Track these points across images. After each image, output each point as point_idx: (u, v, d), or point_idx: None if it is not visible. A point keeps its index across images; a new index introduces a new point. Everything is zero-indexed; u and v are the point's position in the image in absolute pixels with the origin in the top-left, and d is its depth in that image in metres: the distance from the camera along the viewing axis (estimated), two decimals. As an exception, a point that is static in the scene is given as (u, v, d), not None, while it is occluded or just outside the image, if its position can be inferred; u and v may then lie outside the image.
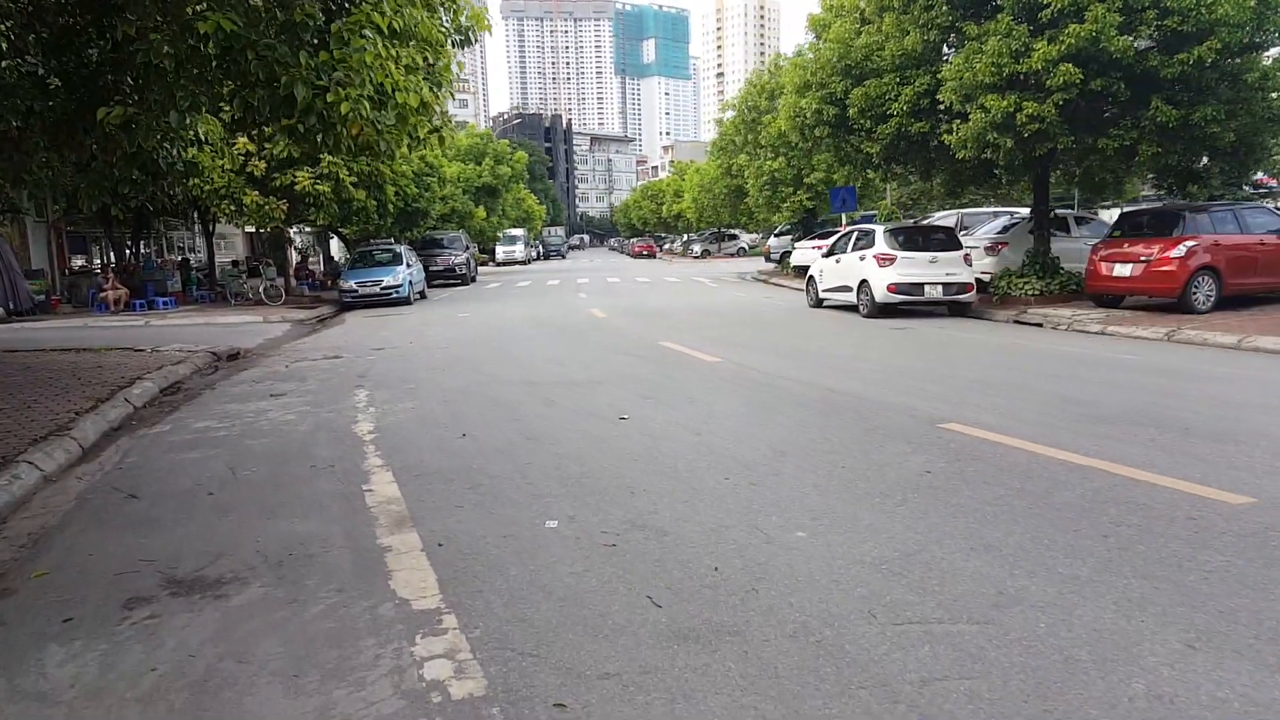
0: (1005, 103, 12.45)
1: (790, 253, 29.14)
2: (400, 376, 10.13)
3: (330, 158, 20.25)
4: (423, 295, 25.05)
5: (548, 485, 5.28)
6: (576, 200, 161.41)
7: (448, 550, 4.26)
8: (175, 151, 7.11)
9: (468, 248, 34.92)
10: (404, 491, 5.33)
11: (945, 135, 13.56)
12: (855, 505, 4.61)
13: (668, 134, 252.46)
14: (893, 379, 8.58)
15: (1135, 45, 11.86)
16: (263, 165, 20.34)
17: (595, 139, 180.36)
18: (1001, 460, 5.38)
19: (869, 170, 16.68)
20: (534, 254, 66.36)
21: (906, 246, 14.68)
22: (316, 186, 20.44)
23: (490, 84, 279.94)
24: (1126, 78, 12.20)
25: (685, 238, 68.57)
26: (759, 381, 8.68)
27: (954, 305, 14.96)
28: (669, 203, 62.66)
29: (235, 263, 29.04)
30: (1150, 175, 15.66)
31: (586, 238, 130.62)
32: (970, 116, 12.91)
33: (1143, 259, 12.94)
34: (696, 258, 57.94)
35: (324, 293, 28.03)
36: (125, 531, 4.88)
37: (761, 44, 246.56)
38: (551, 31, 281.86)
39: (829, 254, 16.69)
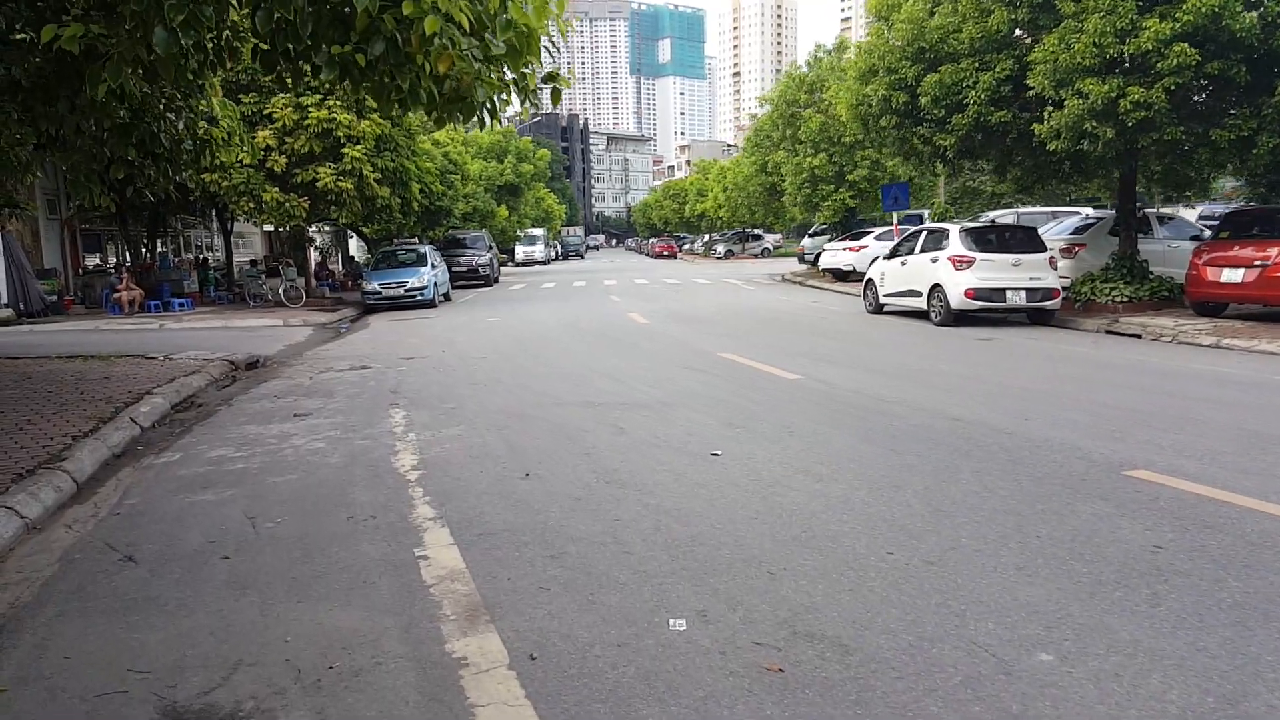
0: (1106, 88, 11.19)
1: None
2: (438, 393, 9.00)
3: (354, 151, 19.19)
4: (447, 297, 23.98)
5: (652, 556, 4.11)
6: (593, 200, 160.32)
7: (545, 668, 3.09)
8: (181, 126, 5.89)
9: (490, 248, 33.81)
10: (468, 560, 4.18)
11: (1035, 125, 12.28)
12: (1091, 603, 3.41)
13: (683, 134, 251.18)
14: (1022, 405, 7.35)
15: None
16: (283, 161, 19.32)
17: (612, 139, 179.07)
18: (1243, 529, 4.15)
19: (937, 164, 15.40)
20: (553, 254, 65.30)
21: (985, 247, 13.42)
22: (339, 183, 19.36)
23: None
24: (1246, 59, 10.91)
25: (707, 238, 67.31)
26: (861, 405, 7.47)
27: (1036, 313, 13.68)
28: (692, 202, 61.40)
29: (254, 262, 28.07)
30: (1244, 172, 14.33)
31: (602, 238, 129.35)
32: (1065, 103, 11.65)
33: (1257, 263, 11.63)
34: (720, 258, 56.68)
35: (345, 294, 27.01)
36: (115, 618, 3.75)
37: (779, 44, 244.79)
38: (566, 31, 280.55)
39: (892, 255, 15.44)
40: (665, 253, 66.68)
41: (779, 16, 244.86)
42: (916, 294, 14.31)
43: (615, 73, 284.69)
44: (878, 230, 27.48)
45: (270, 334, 16.20)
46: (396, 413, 8.06)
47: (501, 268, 41.36)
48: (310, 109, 19.18)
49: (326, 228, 35.95)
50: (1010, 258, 13.28)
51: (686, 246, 74.21)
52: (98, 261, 24.18)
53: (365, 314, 20.87)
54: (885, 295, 15.47)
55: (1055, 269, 13.59)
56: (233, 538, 4.72)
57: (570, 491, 5.25)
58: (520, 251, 54.39)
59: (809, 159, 26.19)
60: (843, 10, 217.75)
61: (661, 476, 5.47)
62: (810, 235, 33.39)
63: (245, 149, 7.80)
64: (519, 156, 45.44)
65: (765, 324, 14.90)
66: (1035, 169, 14.70)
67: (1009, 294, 13.17)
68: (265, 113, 19.03)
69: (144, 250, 24.53)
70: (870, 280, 16.15)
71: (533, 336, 14.10)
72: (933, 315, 13.83)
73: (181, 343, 14.18)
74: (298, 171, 19.65)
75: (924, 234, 14.73)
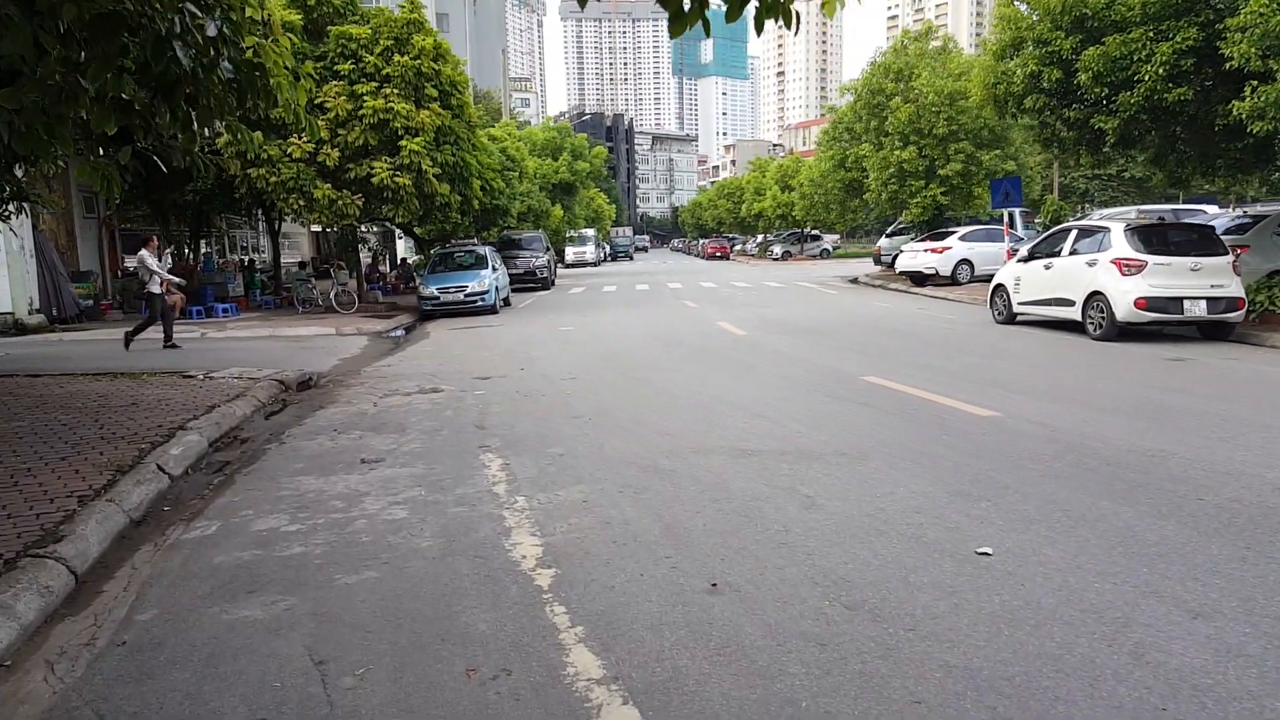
0: (1338, 54, 9.11)
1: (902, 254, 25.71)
2: (536, 431, 7.22)
3: (412, 144, 17.57)
4: (507, 302, 22.29)
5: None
6: (637, 200, 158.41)
7: None
8: (213, 31, 3.74)
9: (548, 249, 32.11)
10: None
11: (1235, 104, 10.20)
12: None
13: (725, 134, 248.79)
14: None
15: None
16: (335, 155, 17.76)
17: (657, 138, 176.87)
18: None
19: (1083, 151, 13.29)
20: (602, 255, 63.64)
21: (1156, 249, 11.35)
22: (396, 179, 17.75)
23: (549, 85, 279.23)
24: None
25: (761, 238, 65.11)
26: (1124, 463, 5.52)
27: (1210, 327, 11.57)
28: (749, 201, 59.19)
29: (302, 264, 26.69)
30: None
31: (647, 238, 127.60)
32: (1278, 77, 9.57)
33: None
34: (777, 259, 54.51)
35: (398, 298, 25.51)
36: None
37: (824, 43, 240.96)
38: (609, 32, 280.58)
39: (1029, 258, 13.37)
40: (718, 254, 64.68)
41: (824, 16, 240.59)
42: (1066, 303, 12.25)
43: (657, 72, 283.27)
44: (962, 230, 25.26)
45: (322, 344, 14.64)
46: (490, 460, 6.30)
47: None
48: (365, 98, 17.62)
49: (374, 228, 34.58)
50: (1188, 261, 11.20)
51: (738, 247, 72.06)
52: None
53: (423, 320, 19.27)
54: (1021, 303, 13.41)
55: (1239, 274, 11.48)
56: (293, 712, 2.96)
57: (799, 625, 3.42)
58: (571, 253, 52.67)
59: (896, 152, 24.07)
60: (889, 9, 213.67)
61: (927, 598, 3.61)
62: (888, 235, 31.13)
63: (306, 127, 5.83)
64: (574, 154, 43.71)
65: (885, 337, 12.94)
66: (1202, 158, 12.55)
67: (1187, 304, 11.09)
68: (317, 102, 17.49)
69: (186, 251, 23.21)
70: (1000, 286, 14.08)
71: (621, 351, 12.30)
72: (1090, 328, 11.77)
73: (224, 356, 12.64)
74: (351, 166, 18.08)
75: (1073, 233, 12.65)
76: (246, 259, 28.69)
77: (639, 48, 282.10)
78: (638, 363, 11.07)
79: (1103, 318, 11.50)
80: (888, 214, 28.58)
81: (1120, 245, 11.46)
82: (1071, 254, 12.33)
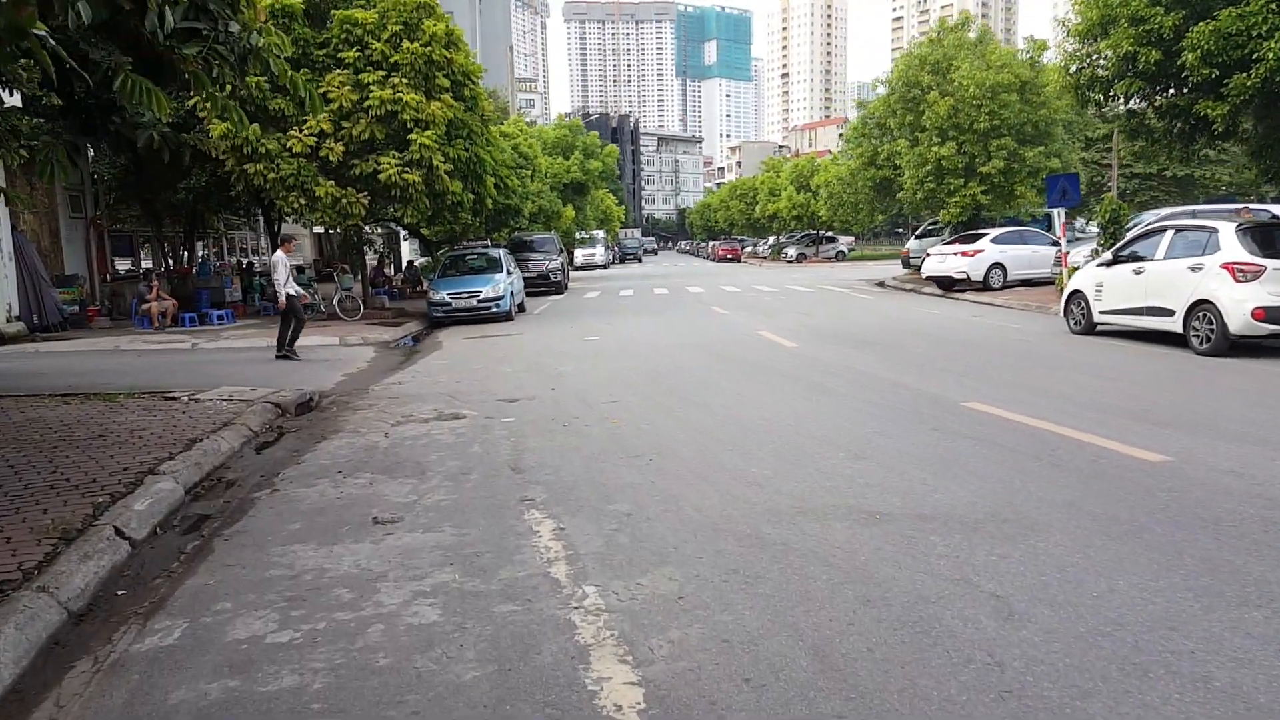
0: None
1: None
2: (587, 476, 5.85)
3: (423, 137, 16.21)
4: (522, 308, 20.90)
5: None
6: (643, 202, 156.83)
7: None
8: None
9: (561, 251, 30.74)
10: None
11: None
12: None
13: (728, 136, 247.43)
14: None
15: None
16: (340, 149, 16.41)
17: (663, 140, 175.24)
18: None
19: (1174, 144, 11.88)
20: (611, 257, 62.43)
21: (1273, 252, 9.97)
22: (405, 175, 16.38)
23: (553, 86, 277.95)
24: None
25: (774, 240, 63.69)
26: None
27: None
28: (763, 202, 57.71)
29: (301, 268, 25.31)
30: None
31: (654, 240, 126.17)
32: None
33: None
34: (791, 262, 53.11)
35: (404, 303, 24.13)
36: None
37: (829, 44, 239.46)
38: (613, 34, 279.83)
39: (1113, 261, 11.97)
40: (729, 256, 63.56)
41: (829, 17, 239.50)
42: (1163, 312, 10.85)
43: (661, 74, 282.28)
44: (994, 231, 23.80)
45: (325, 355, 13.29)
46: (538, 522, 4.93)
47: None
48: (372, 88, 16.26)
49: (379, 229, 33.22)
50: (1314, 266, 9.82)
51: (749, 249, 70.68)
52: (129, 266, 21.55)
53: (432, 329, 17.92)
54: (1104, 312, 12.00)
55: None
56: None
57: None
58: (580, 255, 51.36)
59: (934, 149, 22.65)
60: (894, 10, 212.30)
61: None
62: (918, 236, 29.68)
63: (307, 98, 4.56)
64: (586, 153, 42.33)
65: (956, 349, 11.54)
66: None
67: (1312, 314, 9.71)
68: (319, 92, 16.13)
69: (182, 253, 21.85)
70: (1077, 292, 12.67)
71: (663, 366, 10.91)
72: (1194, 341, 10.37)
73: (214, 371, 11.30)
74: (356, 162, 16.73)
75: (1169, 234, 11.24)
76: (245, 262, 27.35)
77: (642, 49, 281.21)
78: (686, 381, 9.68)
79: (1210, 330, 10.11)
80: (922, 212, 27.11)
81: (1232, 247, 10.07)
82: (1169, 258, 10.94)
